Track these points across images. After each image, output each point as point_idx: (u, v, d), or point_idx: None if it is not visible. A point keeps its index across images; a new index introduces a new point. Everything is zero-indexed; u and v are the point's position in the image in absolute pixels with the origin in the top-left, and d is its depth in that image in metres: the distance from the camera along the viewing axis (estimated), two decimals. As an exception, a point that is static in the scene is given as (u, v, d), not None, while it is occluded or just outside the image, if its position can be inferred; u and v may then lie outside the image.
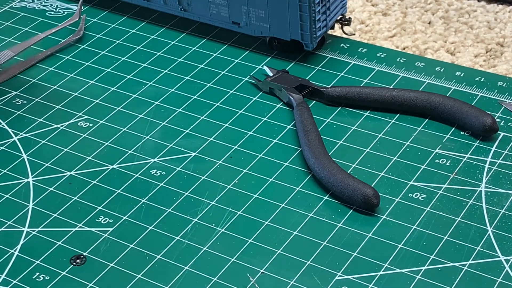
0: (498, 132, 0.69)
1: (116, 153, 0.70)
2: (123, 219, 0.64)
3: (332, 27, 0.80)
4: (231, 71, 0.78)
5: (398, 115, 0.72)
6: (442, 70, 0.76)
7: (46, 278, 0.59)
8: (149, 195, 0.66)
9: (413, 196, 0.64)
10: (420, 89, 0.74)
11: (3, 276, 0.60)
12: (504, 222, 0.61)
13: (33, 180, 0.68)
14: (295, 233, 0.62)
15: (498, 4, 0.86)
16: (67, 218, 0.64)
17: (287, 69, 0.77)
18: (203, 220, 0.63)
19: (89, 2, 0.89)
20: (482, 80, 0.75)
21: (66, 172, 0.69)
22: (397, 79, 0.76)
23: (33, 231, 0.63)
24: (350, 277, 0.58)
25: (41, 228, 0.64)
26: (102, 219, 0.64)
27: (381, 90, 0.72)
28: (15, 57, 0.80)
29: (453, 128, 0.70)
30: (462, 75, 0.75)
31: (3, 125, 0.74)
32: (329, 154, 0.67)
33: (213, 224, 0.63)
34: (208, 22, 0.83)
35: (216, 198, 0.65)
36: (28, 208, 0.66)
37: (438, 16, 0.85)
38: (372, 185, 0.64)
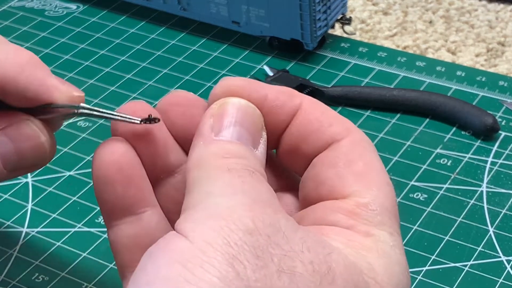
0: (499, 132, 0.68)
1: (116, 153, 0.70)
2: (122, 220, 0.64)
3: (333, 27, 0.80)
4: (231, 71, 0.78)
5: (399, 115, 0.72)
6: (443, 70, 0.76)
7: (45, 279, 0.59)
8: (149, 195, 0.66)
9: (414, 196, 0.64)
10: (421, 89, 0.73)
11: (2, 277, 0.59)
12: (506, 223, 0.61)
13: (32, 180, 0.68)
14: (295, 234, 0.61)
15: (499, 3, 0.86)
16: (66, 219, 0.64)
17: (287, 69, 0.77)
18: (203, 220, 0.63)
19: (88, 1, 0.89)
20: (483, 79, 0.74)
21: (65, 172, 0.68)
22: (398, 79, 0.75)
23: (32, 231, 0.63)
24: (351, 277, 0.58)
25: (40, 228, 0.63)
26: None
27: (382, 90, 0.72)
28: None
29: (454, 128, 0.70)
30: (463, 75, 0.75)
31: (2, 125, 0.74)
32: (330, 154, 0.66)
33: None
34: (208, 22, 0.82)
35: (216, 198, 0.65)
36: (27, 209, 0.65)
37: (439, 15, 0.85)
38: (373, 185, 0.64)
